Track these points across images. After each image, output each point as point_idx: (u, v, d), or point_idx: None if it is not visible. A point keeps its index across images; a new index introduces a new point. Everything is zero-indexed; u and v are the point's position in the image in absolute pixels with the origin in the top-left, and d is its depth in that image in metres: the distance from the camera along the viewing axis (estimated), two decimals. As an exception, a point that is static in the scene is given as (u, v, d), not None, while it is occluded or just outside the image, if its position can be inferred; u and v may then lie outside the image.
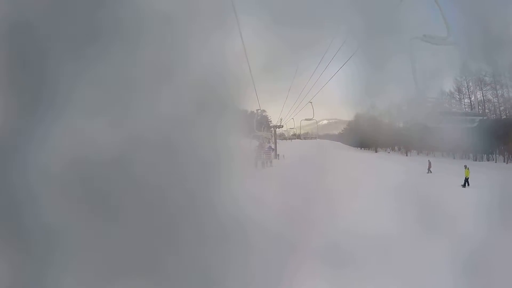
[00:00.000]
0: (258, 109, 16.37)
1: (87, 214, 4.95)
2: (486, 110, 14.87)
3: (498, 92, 14.92)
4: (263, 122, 17.31)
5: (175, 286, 5.30)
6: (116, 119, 5.24)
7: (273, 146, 17.19)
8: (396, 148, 16.35)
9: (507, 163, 14.74)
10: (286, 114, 16.56)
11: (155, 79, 5.51)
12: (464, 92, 15.20)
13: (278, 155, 17.50)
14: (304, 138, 18.22)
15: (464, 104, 15.10)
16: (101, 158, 5.04)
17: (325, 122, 18.13)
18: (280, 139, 17.87)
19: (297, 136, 18.40)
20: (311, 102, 14.09)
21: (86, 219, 4.93)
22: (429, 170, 13.99)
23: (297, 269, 6.59)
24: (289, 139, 18.48)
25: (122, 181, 5.15)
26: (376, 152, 16.79)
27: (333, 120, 18.14)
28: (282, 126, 17.49)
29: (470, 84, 14.73)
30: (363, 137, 15.21)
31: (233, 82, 6.16)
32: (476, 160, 15.13)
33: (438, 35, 6.79)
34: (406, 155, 15.88)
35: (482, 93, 14.92)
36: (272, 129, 17.58)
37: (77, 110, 5.05)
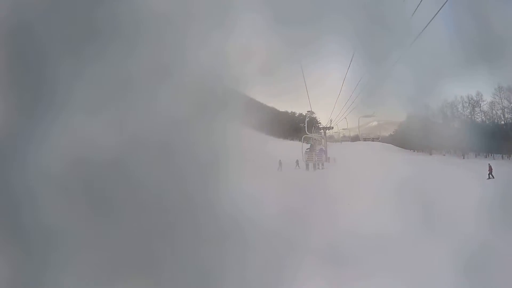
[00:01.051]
0: (309, 111, 16.51)
1: (85, 214, 5.01)
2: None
3: None
4: (314, 124, 17.16)
5: (174, 286, 5.31)
6: (115, 119, 5.24)
7: (324, 148, 16.93)
8: (451, 150, 15.45)
9: None
10: (336, 115, 16.17)
11: (153, 79, 5.51)
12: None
13: (329, 157, 17.18)
14: (364, 139, 17.72)
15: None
16: (100, 159, 5.05)
17: (375, 123, 17.60)
18: (329, 141, 17.52)
19: (351, 138, 17.90)
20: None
21: (85, 219, 4.98)
22: (490, 175, 13.06)
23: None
24: (339, 141, 18.05)
25: (120, 181, 5.18)
26: (430, 155, 15.98)
27: (382, 122, 17.55)
28: (332, 128, 17.23)
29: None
30: (416, 139, 14.50)
31: (233, 82, 6.58)
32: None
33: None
34: (463, 158, 14.93)
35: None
36: (322, 131, 17.34)
37: (76, 110, 5.09)
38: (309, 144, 16.47)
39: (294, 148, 16.58)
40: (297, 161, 16.40)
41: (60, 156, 4.94)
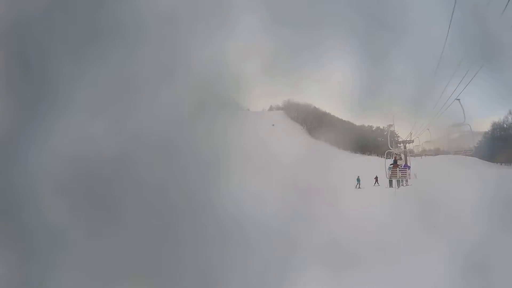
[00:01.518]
0: (390, 124, 15.80)
1: (87, 214, 4.98)
2: None
3: None
4: (394, 138, 16.46)
5: (175, 286, 5.28)
6: (116, 119, 5.21)
7: (409, 164, 16.06)
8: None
9: None
10: (418, 128, 15.46)
11: (155, 79, 5.47)
12: None
13: (410, 173, 16.53)
14: (455, 153, 16.20)
15: None
16: (101, 158, 5.01)
17: (456, 135, 16.60)
18: (410, 155, 16.89)
19: (434, 152, 17.08)
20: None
21: (86, 219, 4.97)
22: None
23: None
24: (420, 155, 17.32)
25: (122, 181, 5.13)
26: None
27: (465, 133, 16.51)
28: (413, 141, 16.43)
29: None
30: (504, 150, 13.40)
31: (234, 82, 6.44)
32: None
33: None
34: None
35: None
36: (402, 144, 16.61)
37: (78, 110, 5.07)
38: (392, 160, 15.61)
39: (371, 164, 16.35)
40: (376, 178, 15.91)
41: (61, 155, 4.92)
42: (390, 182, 15.36)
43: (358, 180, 14.66)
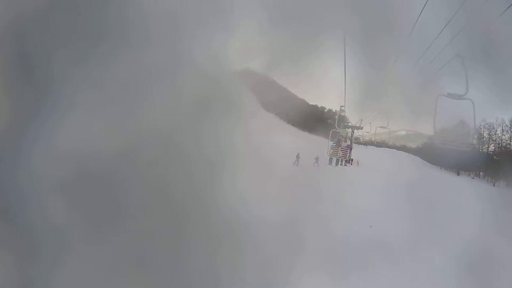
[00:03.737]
0: (342, 106, 15.81)
1: (92, 213, 5.01)
2: None
3: None
4: (344, 121, 16.59)
5: (180, 285, 5.30)
6: (121, 119, 5.19)
7: (352, 146, 16.51)
8: (481, 174, 14.38)
9: None
10: (366, 117, 15.69)
11: (158, 78, 5.44)
12: None
13: (352, 159, 16.50)
14: (378, 145, 17.28)
15: None
16: (106, 157, 5.01)
17: (403, 132, 16.76)
18: (355, 142, 16.85)
19: (379, 143, 17.25)
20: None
21: (91, 218, 5.00)
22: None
23: None
24: (365, 144, 17.44)
25: (126, 180, 5.14)
26: (458, 175, 14.97)
27: (412, 132, 16.66)
28: (362, 128, 16.57)
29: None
30: (444, 156, 13.60)
31: (237, 81, 6.50)
32: None
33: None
34: (494, 185, 13.86)
35: None
36: (350, 129, 16.73)
37: (83, 111, 5.07)
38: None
39: (317, 144, 15.99)
40: (316, 158, 15.75)
41: (65, 155, 4.93)
42: (330, 159, 15.88)
43: (298, 157, 14.12)
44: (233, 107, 6.44)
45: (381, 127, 14.57)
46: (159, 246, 5.23)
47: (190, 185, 5.56)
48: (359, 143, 17.17)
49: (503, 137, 13.10)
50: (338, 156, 15.87)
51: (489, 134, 13.02)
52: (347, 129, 16.57)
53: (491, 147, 13.41)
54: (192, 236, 5.40)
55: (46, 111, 5.04)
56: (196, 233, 5.41)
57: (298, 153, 14.46)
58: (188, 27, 5.90)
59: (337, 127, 15.25)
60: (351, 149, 16.25)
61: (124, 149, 5.16)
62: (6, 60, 5.01)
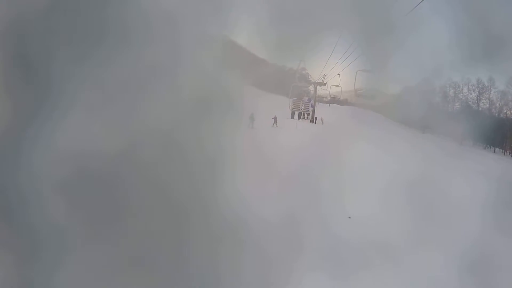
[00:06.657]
0: (301, 60, 14.71)
1: (92, 213, 5.02)
2: None
3: None
4: (305, 78, 15.80)
5: (180, 286, 5.34)
6: (121, 118, 5.21)
7: (312, 100, 16.13)
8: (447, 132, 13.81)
9: None
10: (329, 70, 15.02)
11: (159, 78, 5.48)
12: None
13: (316, 118, 15.66)
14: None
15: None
16: (107, 157, 5.03)
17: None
18: (318, 101, 16.10)
19: (341, 102, 16.91)
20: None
21: (91, 218, 4.98)
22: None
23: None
24: (328, 103, 16.85)
25: (127, 180, 5.17)
26: (423, 133, 14.40)
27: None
28: (326, 84, 15.83)
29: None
30: (410, 114, 13.02)
31: (236, 80, 6.52)
32: None
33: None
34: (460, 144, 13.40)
35: None
36: (313, 85, 15.93)
37: (83, 110, 5.07)
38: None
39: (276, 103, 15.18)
40: (275, 118, 14.77)
41: (66, 155, 4.93)
42: (293, 113, 15.69)
43: (252, 118, 12.44)
44: (234, 107, 6.50)
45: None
46: (159, 246, 5.29)
47: (191, 184, 5.63)
48: (323, 102, 16.60)
49: (470, 96, 12.53)
50: (300, 109, 15.66)
51: (454, 93, 12.32)
52: (308, 85, 15.89)
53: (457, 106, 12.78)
54: (193, 235, 5.48)
55: (46, 111, 5.04)
56: (196, 233, 5.50)
57: (252, 114, 13.18)
58: (188, 27, 6.04)
59: (297, 81, 14.94)
60: (312, 105, 15.81)
61: (124, 149, 5.21)
62: (6, 60, 5.04)
